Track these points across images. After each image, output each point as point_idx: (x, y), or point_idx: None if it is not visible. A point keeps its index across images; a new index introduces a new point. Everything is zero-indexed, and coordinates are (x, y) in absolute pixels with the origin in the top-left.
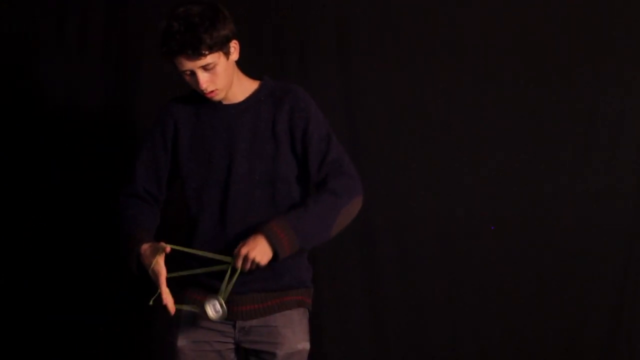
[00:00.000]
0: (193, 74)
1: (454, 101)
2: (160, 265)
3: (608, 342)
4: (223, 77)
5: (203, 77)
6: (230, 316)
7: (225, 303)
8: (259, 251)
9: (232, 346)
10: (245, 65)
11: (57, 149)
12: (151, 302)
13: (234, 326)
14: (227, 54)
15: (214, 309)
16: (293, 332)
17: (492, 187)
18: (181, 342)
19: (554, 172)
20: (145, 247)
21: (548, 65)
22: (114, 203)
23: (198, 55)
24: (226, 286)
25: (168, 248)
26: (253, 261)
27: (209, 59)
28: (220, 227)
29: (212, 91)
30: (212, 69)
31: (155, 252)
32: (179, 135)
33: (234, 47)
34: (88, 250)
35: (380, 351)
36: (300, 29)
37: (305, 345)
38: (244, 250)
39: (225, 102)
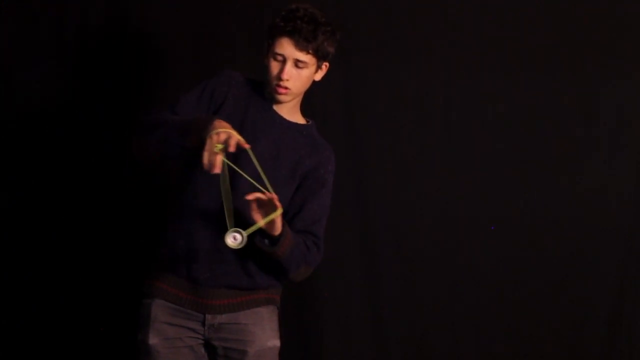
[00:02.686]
0: (284, 61)
1: (453, 101)
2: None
3: (608, 342)
4: (302, 84)
5: (289, 70)
6: (199, 309)
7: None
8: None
9: (202, 341)
10: (246, 65)
11: (56, 149)
12: (218, 149)
13: (203, 323)
14: (318, 67)
15: (233, 238)
16: (263, 329)
17: (492, 187)
18: (153, 339)
19: (554, 172)
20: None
21: (548, 65)
22: (147, 117)
23: (303, 47)
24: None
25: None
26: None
27: (307, 58)
28: (214, 208)
29: (286, 87)
30: (301, 68)
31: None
32: (224, 105)
33: (324, 68)
34: (88, 250)
35: (380, 351)
36: None
37: (276, 343)
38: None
39: (276, 110)
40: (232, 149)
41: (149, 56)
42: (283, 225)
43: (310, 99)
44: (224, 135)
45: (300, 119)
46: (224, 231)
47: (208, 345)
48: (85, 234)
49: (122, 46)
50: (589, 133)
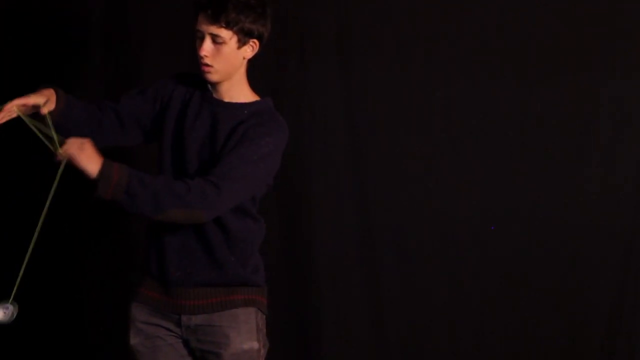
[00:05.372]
0: (202, 38)
1: (453, 101)
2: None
3: (608, 342)
4: (224, 61)
5: (207, 46)
6: (174, 309)
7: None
8: (84, 157)
9: (180, 340)
10: None
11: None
12: None
13: (179, 324)
14: (241, 42)
15: (3, 312)
16: (238, 332)
17: (492, 187)
18: (133, 339)
19: (554, 172)
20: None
21: (548, 65)
22: None
23: (214, 20)
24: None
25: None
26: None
27: (223, 32)
28: None
29: (207, 65)
30: (219, 44)
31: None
32: (170, 104)
33: (252, 45)
34: (89, 251)
35: (380, 351)
36: (300, 29)
37: (253, 345)
38: (71, 148)
39: (215, 96)
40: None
41: (149, 56)
42: (102, 168)
43: (311, 99)
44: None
45: (250, 98)
46: (192, 230)
47: (187, 345)
48: (86, 233)
49: (122, 46)
50: (589, 133)
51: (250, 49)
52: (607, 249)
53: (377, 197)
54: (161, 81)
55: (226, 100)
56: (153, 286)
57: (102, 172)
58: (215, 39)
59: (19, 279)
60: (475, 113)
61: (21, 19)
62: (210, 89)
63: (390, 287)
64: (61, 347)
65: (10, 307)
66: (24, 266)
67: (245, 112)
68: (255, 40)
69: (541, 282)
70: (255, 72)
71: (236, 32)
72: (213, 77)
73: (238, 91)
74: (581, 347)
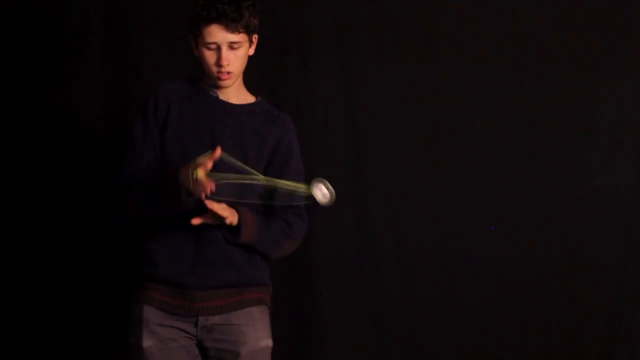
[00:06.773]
0: (218, 48)
1: (453, 101)
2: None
3: (608, 342)
4: (241, 63)
5: (227, 54)
6: (191, 312)
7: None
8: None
9: (195, 341)
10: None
11: (56, 149)
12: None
13: (196, 324)
14: (251, 41)
15: (321, 192)
16: (255, 329)
17: (492, 187)
18: (146, 342)
19: (554, 172)
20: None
21: (548, 66)
22: (120, 181)
23: (234, 28)
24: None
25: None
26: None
27: (240, 37)
28: (194, 212)
29: (227, 72)
30: (237, 49)
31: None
32: (169, 116)
33: (255, 40)
34: (89, 250)
35: (380, 351)
36: (300, 29)
37: (268, 342)
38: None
39: (222, 98)
40: (209, 166)
41: (149, 56)
42: (241, 216)
43: (311, 99)
44: (193, 166)
45: (249, 98)
46: (205, 234)
47: (200, 345)
48: (86, 233)
49: (122, 46)
50: (588, 133)
51: (253, 45)
52: (607, 249)
53: (377, 197)
54: (151, 103)
55: (232, 101)
56: (166, 291)
57: (240, 219)
58: (232, 46)
59: None
60: (475, 113)
61: (21, 19)
62: (217, 91)
63: (390, 287)
64: (60, 347)
65: (324, 188)
66: None
67: (258, 111)
68: (256, 35)
69: (541, 282)
70: (255, 72)
71: (248, 33)
72: (231, 82)
73: (239, 90)
74: (581, 347)
